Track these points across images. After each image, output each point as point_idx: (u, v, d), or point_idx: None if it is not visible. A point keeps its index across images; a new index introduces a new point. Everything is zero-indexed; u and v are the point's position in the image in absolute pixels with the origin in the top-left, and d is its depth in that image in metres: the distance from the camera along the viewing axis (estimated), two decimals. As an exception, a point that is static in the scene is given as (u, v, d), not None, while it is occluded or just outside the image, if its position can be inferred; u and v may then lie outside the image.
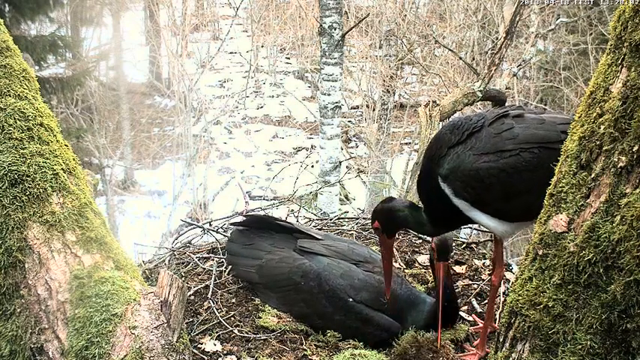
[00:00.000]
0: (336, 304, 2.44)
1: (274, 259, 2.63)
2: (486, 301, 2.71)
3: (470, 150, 2.02)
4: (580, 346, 1.31)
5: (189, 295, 2.67)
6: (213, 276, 2.79)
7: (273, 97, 17.29)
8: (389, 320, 2.41)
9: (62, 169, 2.06)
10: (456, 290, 2.78)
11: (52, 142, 2.07)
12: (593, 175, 1.32)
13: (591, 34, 10.47)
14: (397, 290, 2.46)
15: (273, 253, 2.67)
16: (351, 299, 2.44)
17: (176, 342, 1.89)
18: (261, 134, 15.75)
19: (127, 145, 14.37)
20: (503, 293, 2.66)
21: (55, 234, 1.97)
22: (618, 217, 1.25)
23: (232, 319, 2.51)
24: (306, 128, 15.55)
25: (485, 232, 3.96)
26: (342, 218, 3.73)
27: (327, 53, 6.05)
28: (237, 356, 2.27)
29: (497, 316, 2.52)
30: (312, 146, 13.78)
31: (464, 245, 3.23)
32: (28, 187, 1.96)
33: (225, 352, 2.30)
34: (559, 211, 1.40)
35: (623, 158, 1.25)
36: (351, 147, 13.79)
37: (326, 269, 2.51)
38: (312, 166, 8.11)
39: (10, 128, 1.99)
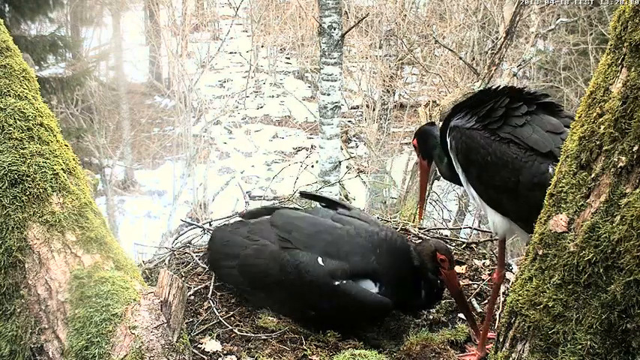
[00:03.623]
0: (322, 291, 2.37)
1: (250, 255, 2.54)
2: (486, 301, 2.71)
3: (477, 118, 2.09)
4: (580, 346, 1.31)
5: (189, 295, 2.67)
6: (214, 276, 2.79)
7: (273, 97, 17.28)
8: (378, 298, 2.36)
9: (62, 169, 2.06)
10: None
11: (52, 142, 2.07)
12: (593, 175, 1.32)
13: (591, 34, 10.48)
14: (393, 242, 2.45)
15: (249, 247, 2.56)
16: (336, 282, 2.36)
17: (176, 342, 1.89)
18: (261, 134, 15.75)
19: (127, 145, 14.37)
20: (503, 293, 2.66)
21: (55, 234, 1.97)
22: (618, 217, 1.25)
23: (232, 319, 2.51)
24: (306, 128, 15.54)
25: (485, 232, 3.96)
26: (342, 218, 3.72)
27: (326, 53, 6.04)
28: (237, 356, 2.27)
29: (498, 316, 2.51)
30: (312, 146, 13.77)
31: (464, 245, 3.23)
32: (28, 187, 1.96)
33: (225, 352, 2.30)
34: (559, 211, 1.40)
35: (623, 158, 1.25)
36: (351, 147, 13.79)
37: (303, 259, 2.41)
38: (312, 166, 8.11)
39: (10, 128, 1.98)
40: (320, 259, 2.39)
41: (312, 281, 2.37)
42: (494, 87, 2.20)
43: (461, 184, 2.25)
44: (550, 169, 1.87)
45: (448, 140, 2.18)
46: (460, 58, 8.42)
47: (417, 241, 3.26)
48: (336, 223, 2.53)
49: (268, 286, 2.50)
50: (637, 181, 1.24)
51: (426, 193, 2.61)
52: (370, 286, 2.38)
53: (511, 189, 1.97)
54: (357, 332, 2.49)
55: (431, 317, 2.59)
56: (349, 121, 13.56)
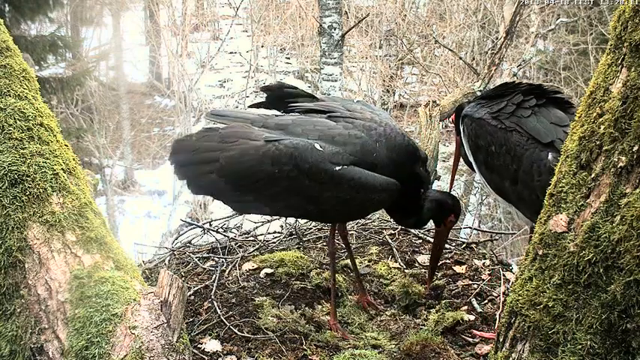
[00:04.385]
0: (322, 180, 2.15)
1: (233, 155, 2.22)
2: (486, 301, 2.71)
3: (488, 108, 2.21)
4: (580, 346, 1.31)
5: (189, 295, 2.67)
6: (217, 274, 2.79)
7: (273, 97, 17.23)
8: (384, 179, 2.19)
9: (62, 169, 2.06)
10: (456, 290, 2.79)
11: (52, 142, 2.07)
12: (593, 175, 1.33)
13: (591, 34, 10.48)
14: (394, 137, 2.28)
15: (227, 148, 2.24)
16: (337, 167, 2.14)
17: (176, 342, 1.89)
18: (261, 134, 15.70)
19: (127, 145, 14.38)
20: (504, 293, 2.66)
21: (55, 234, 1.97)
22: (618, 217, 1.25)
23: (232, 319, 2.50)
24: (306, 128, 15.50)
25: (485, 232, 3.96)
26: (342, 218, 3.73)
27: (326, 53, 6.05)
28: (237, 356, 2.27)
29: (497, 316, 2.51)
30: (312, 146, 13.73)
31: (464, 245, 3.23)
32: (28, 187, 1.96)
33: (225, 352, 2.30)
34: (559, 211, 1.40)
35: (623, 158, 1.25)
36: (351, 147, 13.76)
37: (298, 146, 2.16)
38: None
39: (10, 128, 1.98)
40: (317, 145, 2.17)
41: (311, 168, 2.13)
42: (515, 82, 2.29)
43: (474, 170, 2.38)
44: (550, 157, 1.95)
45: (461, 127, 2.30)
46: (460, 58, 8.42)
47: (418, 242, 3.27)
48: (333, 121, 2.33)
49: (258, 186, 2.22)
50: (637, 181, 1.24)
51: (456, 168, 2.78)
52: None
53: (512, 175, 2.08)
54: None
55: (431, 317, 2.59)
56: (349, 121, 13.53)
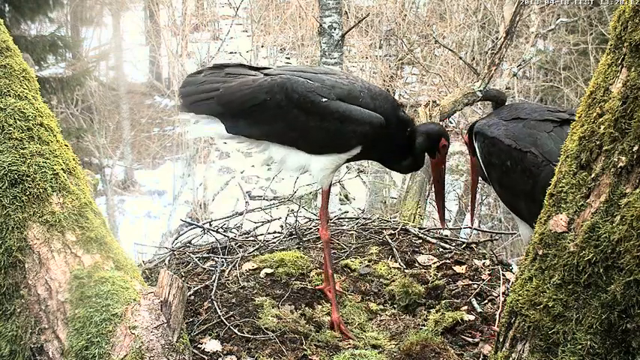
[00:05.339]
0: (310, 110, 2.30)
1: (233, 85, 2.43)
2: (486, 301, 2.72)
3: (503, 126, 2.23)
4: (580, 346, 1.31)
5: (189, 295, 2.67)
6: (217, 274, 2.79)
7: (273, 96, 17.23)
8: (368, 113, 2.31)
9: (62, 169, 2.06)
10: (456, 290, 2.79)
11: (52, 142, 2.07)
12: (593, 175, 1.33)
13: (591, 34, 10.49)
14: (374, 89, 2.42)
15: (229, 81, 2.46)
16: (324, 99, 2.30)
17: (176, 342, 1.89)
18: (262, 134, 15.70)
19: (127, 145, 14.39)
20: (504, 293, 2.66)
21: (55, 234, 1.97)
22: (618, 217, 1.25)
23: (232, 319, 2.50)
24: (306, 128, 15.48)
25: (485, 232, 3.97)
26: (342, 218, 3.73)
27: (326, 53, 6.05)
28: (237, 356, 2.27)
29: (497, 316, 2.52)
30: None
31: (464, 245, 3.23)
32: (28, 187, 1.96)
33: (225, 352, 2.30)
34: (559, 211, 1.40)
35: (623, 158, 1.25)
36: (351, 147, 13.74)
37: (291, 78, 2.35)
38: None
39: (10, 128, 1.98)
40: (309, 81, 2.33)
41: (300, 98, 2.30)
42: (528, 107, 2.31)
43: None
44: None
45: (475, 145, 2.32)
46: (460, 58, 8.43)
47: (418, 242, 3.27)
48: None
49: (250, 111, 2.40)
50: (637, 181, 1.24)
51: (475, 193, 2.80)
52: None
53: (527, 193, 2.10)
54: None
55: (431, 317, 2.59)
56: (349, 121, 13.50)
